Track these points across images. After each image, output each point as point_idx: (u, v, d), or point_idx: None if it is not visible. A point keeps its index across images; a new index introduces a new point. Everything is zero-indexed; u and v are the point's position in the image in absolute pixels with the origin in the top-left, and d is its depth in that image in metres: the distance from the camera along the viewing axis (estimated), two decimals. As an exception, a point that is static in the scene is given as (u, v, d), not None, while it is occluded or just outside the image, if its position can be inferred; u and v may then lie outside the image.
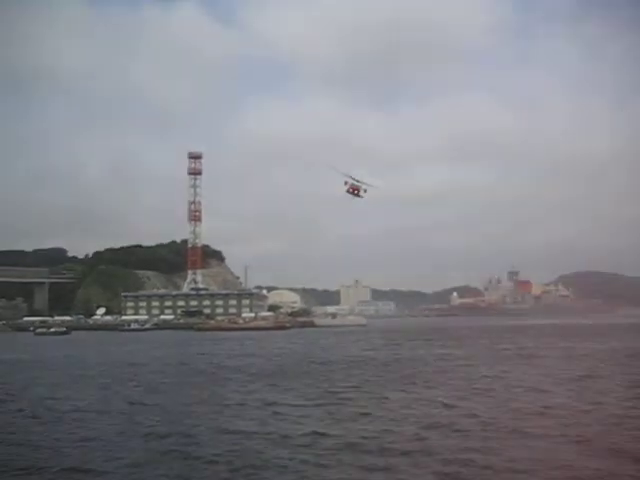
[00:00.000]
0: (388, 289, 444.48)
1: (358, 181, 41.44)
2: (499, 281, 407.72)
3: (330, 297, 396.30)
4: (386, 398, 31.86)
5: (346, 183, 41.06)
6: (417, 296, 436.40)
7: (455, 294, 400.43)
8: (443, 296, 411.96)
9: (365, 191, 41.42)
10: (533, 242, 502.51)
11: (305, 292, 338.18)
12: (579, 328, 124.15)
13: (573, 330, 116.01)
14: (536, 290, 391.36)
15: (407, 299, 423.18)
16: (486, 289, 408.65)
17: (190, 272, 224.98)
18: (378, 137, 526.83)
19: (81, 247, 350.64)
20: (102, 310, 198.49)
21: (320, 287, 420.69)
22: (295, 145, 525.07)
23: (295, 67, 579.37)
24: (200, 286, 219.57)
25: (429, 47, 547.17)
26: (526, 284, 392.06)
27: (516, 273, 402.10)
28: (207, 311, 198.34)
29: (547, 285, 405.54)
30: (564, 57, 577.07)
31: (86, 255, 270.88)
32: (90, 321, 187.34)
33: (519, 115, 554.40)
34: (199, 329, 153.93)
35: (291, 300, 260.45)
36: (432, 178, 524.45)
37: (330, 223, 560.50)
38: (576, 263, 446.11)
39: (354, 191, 41.26)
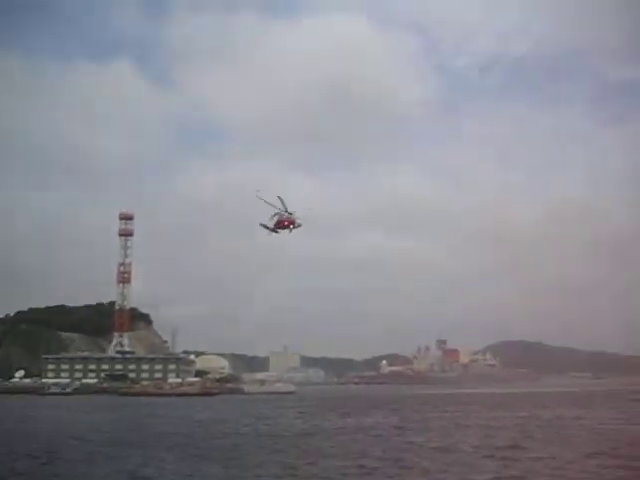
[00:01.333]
0: (318, 356, 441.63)
1: (291, 213, 38.41)
2: (428, 349, 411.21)
3: (259, 363, 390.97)
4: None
5: (276, 215, 37.66)
6: (347, 363, 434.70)
7: (384, 362, 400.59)
8: (373, 363, 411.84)
9: (299, 225, 38.30)
10: (461, 311, 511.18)
11: (234, 357, 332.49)
12: (502, 397, 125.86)
13: (496, 399, 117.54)
14: (464, 359, 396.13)
15: (337, 366, 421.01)
16: (415, 357, 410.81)
17: (116, 335, 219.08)
18: (313, 200, 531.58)
19: (2, 306, 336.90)
20: (21, 372, 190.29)
21: (250, 353, 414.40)
22: (229, 207, 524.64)
23: (230, 129, 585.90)
24: (126, 349, 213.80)
25: (364, 115, 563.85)
26: (454, 353, 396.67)
27: (444, 342, 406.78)
28: (132, 375, 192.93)
29: (475, 354, 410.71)
30: (491, 132, 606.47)
31: (7, 314, 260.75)
32: (8, 384, 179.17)
33: (449, 185, 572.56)
34: (123, 394, 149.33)
35: (219, 366, 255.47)
36: (365, 244, 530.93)
37: (261, 288, 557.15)
38: (502, 332, 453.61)
39: (288, 225, 37.54)
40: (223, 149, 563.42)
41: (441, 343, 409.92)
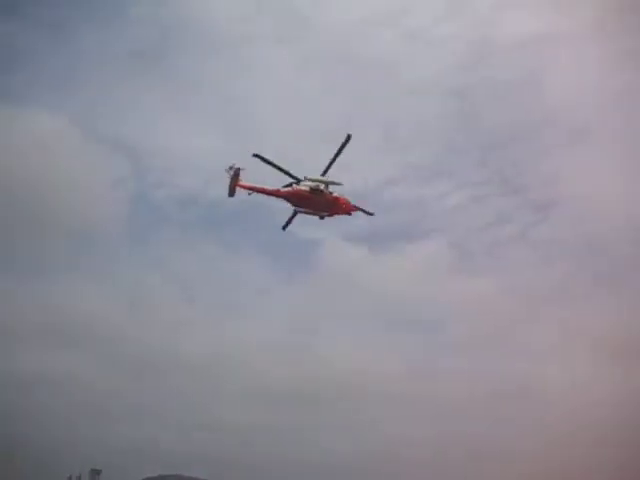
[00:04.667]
0: None
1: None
2: (79, 479, 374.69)
3: None
4: None
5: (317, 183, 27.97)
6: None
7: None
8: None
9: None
10: (120, 439, 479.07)
11: None
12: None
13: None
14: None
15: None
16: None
17: None
18: None
19: None
20: None
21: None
22: None
23: None
24: None
25: (49, 227, 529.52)
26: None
27: (99, 471, 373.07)
28: None
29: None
30: (176, 266, 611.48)
31: None
32: None
33: (130, 309, 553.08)
34: None
35: None
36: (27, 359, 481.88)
37: None
38: (162, 465, 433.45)
39: (346, 210, 26.30)
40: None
41: (95, 473, 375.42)
